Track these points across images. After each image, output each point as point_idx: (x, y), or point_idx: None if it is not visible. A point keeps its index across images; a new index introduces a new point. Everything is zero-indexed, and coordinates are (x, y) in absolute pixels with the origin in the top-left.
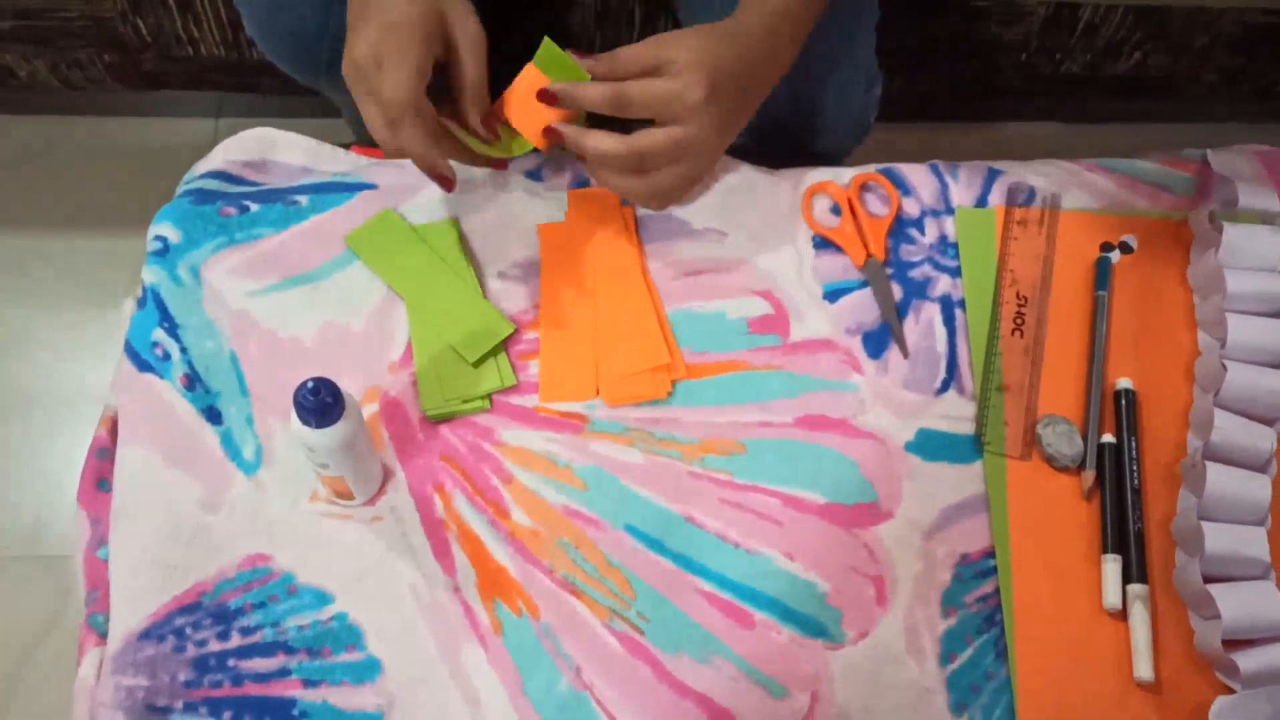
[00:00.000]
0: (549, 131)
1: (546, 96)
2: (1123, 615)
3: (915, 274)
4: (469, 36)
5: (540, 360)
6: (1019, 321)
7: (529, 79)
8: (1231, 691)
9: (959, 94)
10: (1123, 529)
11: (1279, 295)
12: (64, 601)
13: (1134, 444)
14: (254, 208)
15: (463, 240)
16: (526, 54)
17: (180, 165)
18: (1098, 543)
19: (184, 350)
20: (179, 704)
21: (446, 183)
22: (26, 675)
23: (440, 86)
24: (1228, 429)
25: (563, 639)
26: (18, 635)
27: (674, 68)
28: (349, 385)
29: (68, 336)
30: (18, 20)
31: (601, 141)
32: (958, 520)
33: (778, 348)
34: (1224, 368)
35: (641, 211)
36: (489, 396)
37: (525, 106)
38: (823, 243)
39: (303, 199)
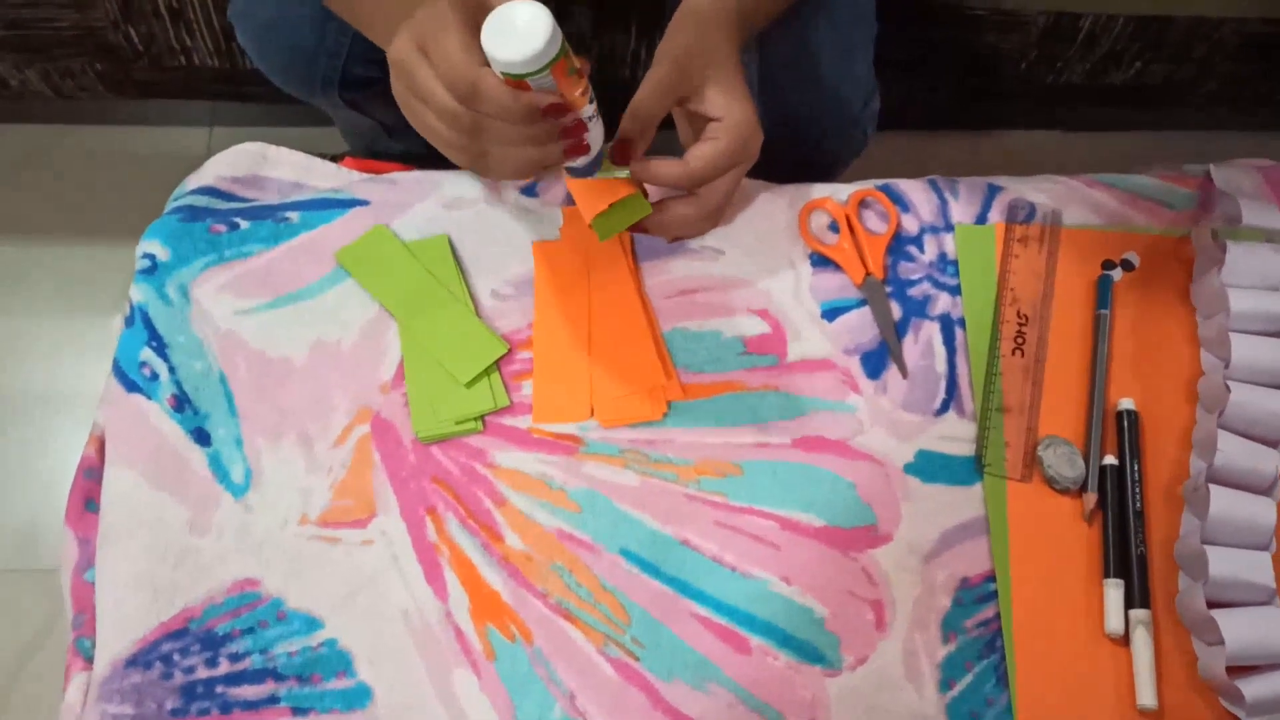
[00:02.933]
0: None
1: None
2: (1125, 641)
3: (914, 292)
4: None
5: (534, 381)
6: (1020, 341)
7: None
8: (1237, 719)
9: (958, 103)
10: (1125, 553)
11: None
12: (56, 615)
13: (1136, 466)
14: (244, 224)
15: (456, 257)
16: None
17: (173, 173)
18: (1099, 567)
19: (172, 370)
20: None
21: (575, 146)
22: (19, 688)
23: None
24: (1231, 451)
25: (556, 665)
26: (10, 648)
27: (703, 102)
28: (339, 404)
29: (61, 345)
30: (9, 30)
31: (664, 167)
32: (957, 543)
33: (774, 367)
34: (1227, 388)
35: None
36: (482, 418)
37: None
38: (820, 260)
39: (294, 215)
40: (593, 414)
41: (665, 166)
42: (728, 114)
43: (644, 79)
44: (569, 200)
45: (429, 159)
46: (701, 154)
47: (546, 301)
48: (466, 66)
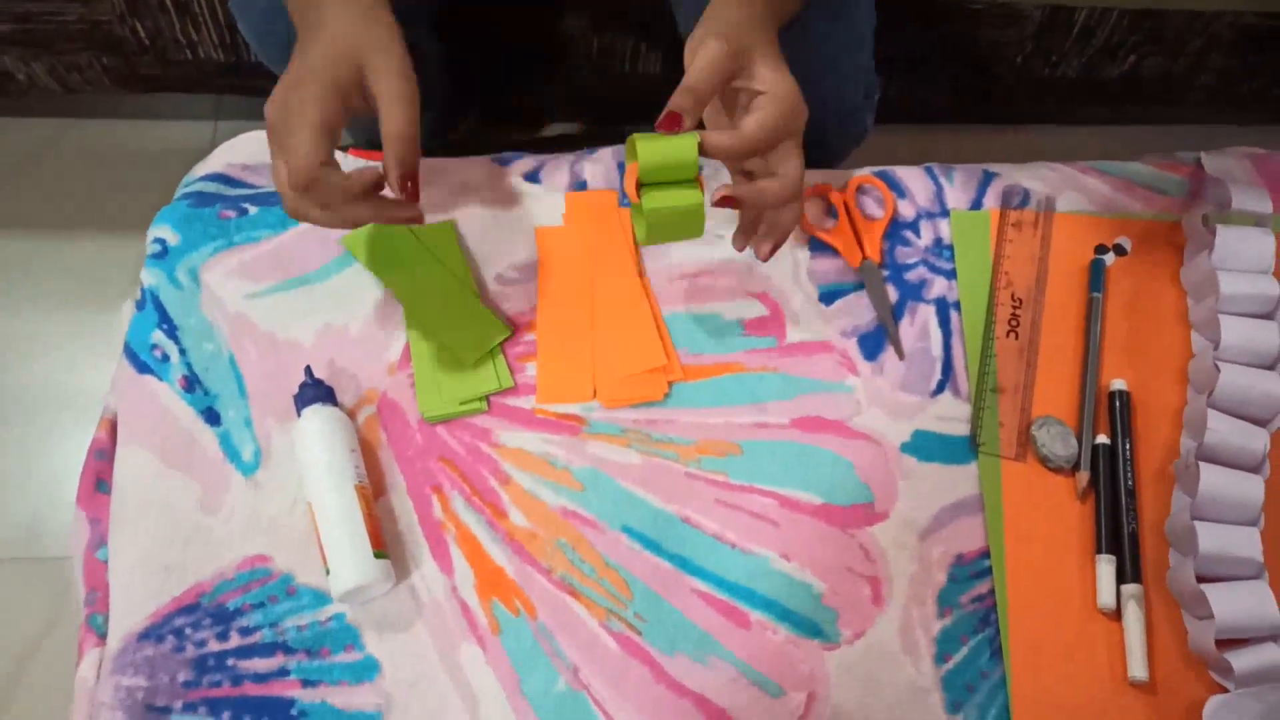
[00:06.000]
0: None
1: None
2: (1117, 615)
3: (911, 276)
4: (391, 87)
5: (538, 362)
6: (1014, 323)
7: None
8: (1225, 691)
9: (955, 97)
10: (1117, 529)
11: (1271, 297)
12: (61, 603)
13: (1128, 445)
14: (252, 210)
15: (460, 242)
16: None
17: (178, 167)
18: (1092, 543)
19: (183, 352)
20: (178, 704)
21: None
22: (24, 677)
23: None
24: (1221, 430)
25: (560, 639)
26: (15, 637)
27: (751, 78)
28: (347, 385)
29: (65, 338)
30: (16, 24)
31: (715, 136)
32: (953, 520)
33: (773, 349)
34: (1217, 369)
35: None
36: (486, 398)
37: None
38: (819, 245)
39: None
40: (595, 395)
41: (717, 136)
42: (774, 86)
43: (695, 58)
44: (571, 186)
45: (429, 149)
46: (753, 121)
47: (550, 285)
48: (304, 175)
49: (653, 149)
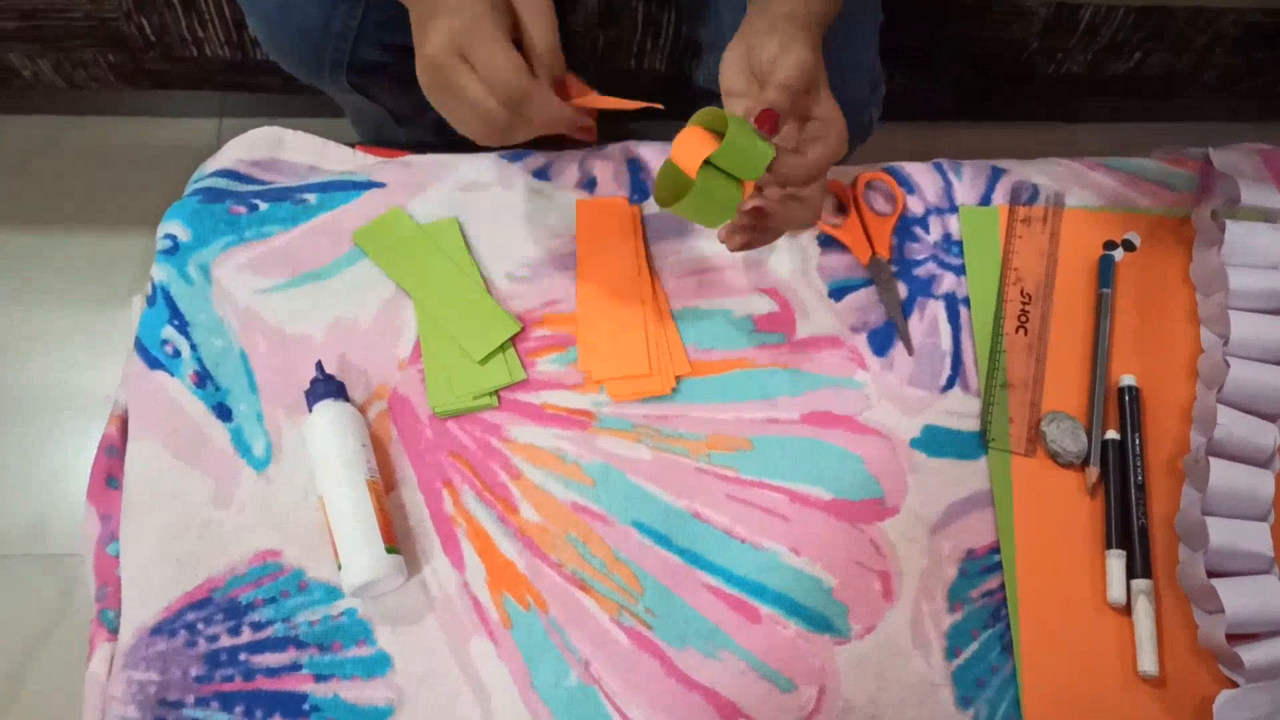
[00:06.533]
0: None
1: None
2: (1127, 610)
3: (920, 272)
4: (530, 3)
5: (579, 338)
6: (1023, 319)
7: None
8: (1235, 685)
9: (961, 94)
10: (1127, 524)
11: None
12: (66, 600)
13: (1138, 440)
14: (263, 206)
15: (467, 238)
16: None
17: (184, 165)
18: (1102, 538)
19: (194, 348)
20: (190, 699)
21: (590, 132)
22: (29, 674)
23: None
24: (1231, 425)
25: (571, 633)
26: (20, 634)
27: (818, 102)
28: (357, 381)
29: (70, 335)
30: (22, 20)
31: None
32: (963, 516)
33: (783, 345)
34: (1227, 364)
35: (648, 211)
36: (497, 393)
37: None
38: (828, 241)
39: (311, 197)
40: (651, 370)
41: (792, 160)
42: (837, 117)
43: (777, 62)
44: (580, 183)
45: (438, 147)
46: (819, 152)
47: (589, 259)
48: (516, 76)
49: (741, 140)
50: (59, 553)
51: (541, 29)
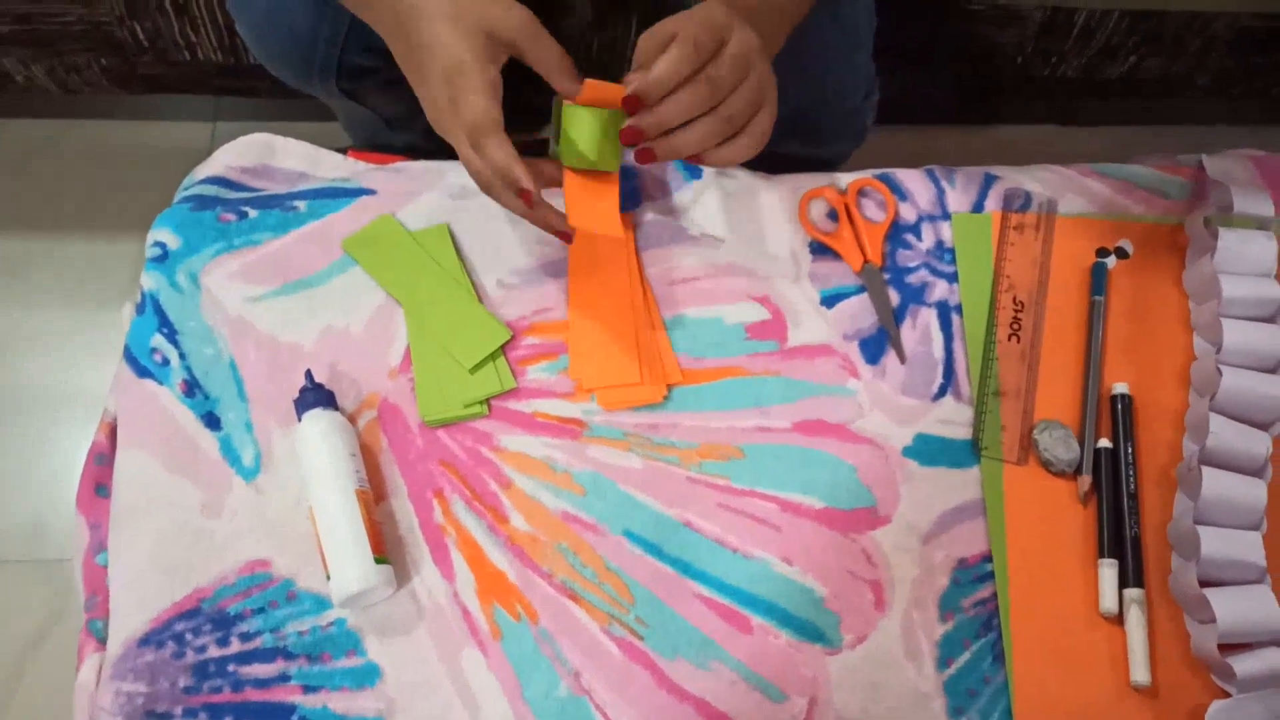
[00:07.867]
0: (628, 100)
1: (630, 102)
2: (1119, 620)
3: (912, 279)
4: (518, 27)
5: (570, 346)
6: (1015, 327)
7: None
8: (1228, 695)
9: (955, 97)
10: (1119, 534)
11: (1274, 300)
12: (63, 605)
13: (1130, 449)
14: (253, 213)
15: (457, 246)
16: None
17: (177, 169)
18: (1094, 547)
19: (183, 356)
20: (179, 710)
21: (563, 236)
22: (25, 679)
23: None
24: (1223, 434)
25: (562, 644)
26: (16, 639)
27: (686, 25)
28: (347, 389)
29: (65, 339)
30: (15, 24)
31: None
32: (955, 525)
33: (775, 353)
34: (1219, 372)
35: (641, 219)
36: (487, 402)
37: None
38: (820, 248)
39: (301, 204)
40: (643, 379)
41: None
42: (696, 10)
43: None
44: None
45: (430, 151)
46: (663, 67)
47: (581, 268)
48: (478, 128)
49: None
50: (55, 558)
51: (530, 47)
